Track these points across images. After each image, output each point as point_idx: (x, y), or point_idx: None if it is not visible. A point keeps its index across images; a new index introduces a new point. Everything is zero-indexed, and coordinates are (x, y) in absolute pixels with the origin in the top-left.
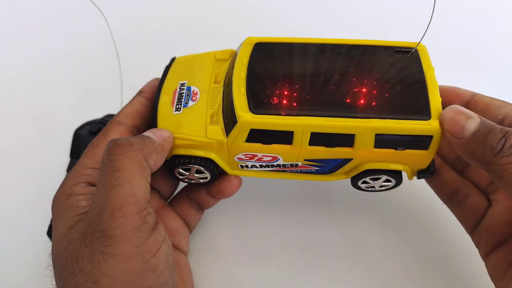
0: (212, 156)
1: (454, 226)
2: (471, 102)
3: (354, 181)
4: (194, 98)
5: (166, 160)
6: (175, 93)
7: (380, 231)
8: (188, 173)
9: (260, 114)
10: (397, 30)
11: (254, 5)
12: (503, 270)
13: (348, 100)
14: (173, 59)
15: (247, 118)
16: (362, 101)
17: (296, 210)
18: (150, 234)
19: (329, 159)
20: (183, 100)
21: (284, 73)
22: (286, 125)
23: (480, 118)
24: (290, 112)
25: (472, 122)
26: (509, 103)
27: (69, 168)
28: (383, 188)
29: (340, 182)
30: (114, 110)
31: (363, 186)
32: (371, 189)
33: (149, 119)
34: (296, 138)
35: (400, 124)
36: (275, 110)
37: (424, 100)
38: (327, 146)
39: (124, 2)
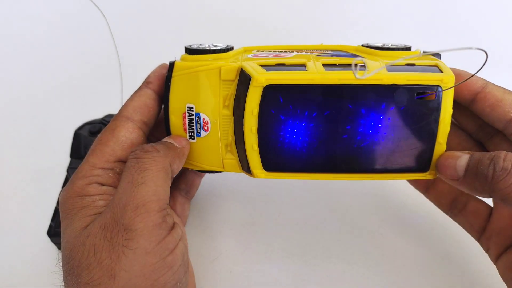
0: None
1: (454, 226)
2: (481, 93)
3: None
4: (205, 128)
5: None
6: (184, 117)
7: (380, 231)
8: None
9: (273, 172)
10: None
11: (254, 5)
12: None
13: (356, 157)
14: (172, 65)
15: (261, 176)
16: (366, 157)
17: (296, 210)
18: (168, 232)
19: None
20: (195, 128)
21: (297, 126)
22: (296, 178)
23: (468, 154)
24: (300, 170)
25: (461, 160)
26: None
27: (69, 168)
28: None
29: (340, 182)
30: (114, 110)
31: None
32: None
33: (162, 124)
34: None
35: (397, 177)
36: (287, 168)
37: (428, 154)
38: None
39: (124, 2)
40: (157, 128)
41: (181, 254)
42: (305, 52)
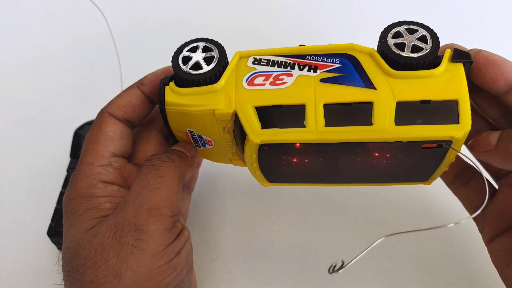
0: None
1: (454, 226)
2: None
3: None
4: (210, 144)
5: None
6: (187, 135)
7: (380, 231)
8: None
9: (277, 183)
10: None
11: (256, 5)
12: (509, 256)
13: (355, 176)
14: (162, 95)
15: (267, 185)
16: (367, 178)
17: (296, 210)
18: (176, 236)
19: None
20: (199, 142)
21: (294, 164)
22: None
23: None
24: (301, 182)
25: (494, 134)
26: None
27: (69, 168)
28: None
29: None
30: None
31: None
32: None
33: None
34: None
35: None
36: (288, 182)
37: (429, 172)
38: None
39: (124, 2)
40: None
41: (186, 256)
42: (308, 69)
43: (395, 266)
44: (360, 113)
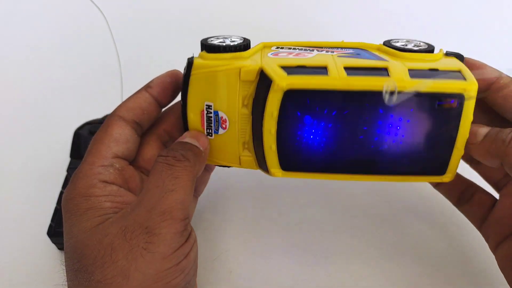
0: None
1: (454, 226)
2: (495, 84)
3: None
4: (224, 126)
5: None
6: (202, 114)
7: (380, 231)
8: None
9: (290, 172)
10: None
11: (257, 4)
12: None
13: (373, 158)
14: (190, 63)
15: (278, 175)
16: (383, 159)
17: (296, 210)
18: (186, 239)
19: None
20: (213, 125)
21: (316, 129)
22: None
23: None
24: (318, 171)
25: (482, 128)
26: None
27: (69, 168)
28: None
29: (340, 183)
30: None
31: None
32: None
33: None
34: None
35: (413, 180)
36: (304, 168)
37: (445, 158)
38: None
39: (124, 2)
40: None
41: (194, 257)
42: (326, 51)
43: (396, 266)
44: (377, 72)
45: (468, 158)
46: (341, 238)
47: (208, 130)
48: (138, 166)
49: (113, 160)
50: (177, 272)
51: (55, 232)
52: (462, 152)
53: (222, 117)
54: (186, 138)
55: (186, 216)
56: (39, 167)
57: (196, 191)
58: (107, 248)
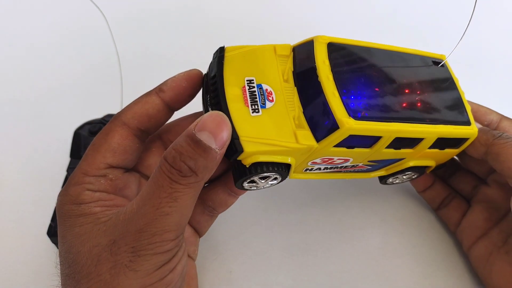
0: (291, 161)
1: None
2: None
3: (387, 177)
4: (270, 98)
5: (246, 169)
6: (244, 90)
7: (380, 231)
8: (263, 181)
9: (361, 120)
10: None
11: (256, 4)
12: (484, 259)
13: (416, 108)
14: (222, 48)
15: (351, 124)
16: (425, 109)
17: (296, 210)
18: (175, 254)
19: (388, 159)
20: (258, 100)
21: (364, 78)
22: (382, 131)
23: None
24: (382, 118)
25: (478, 124)
26: (493, 110)
27: (69, 168)
28: (406, 180)
29: (340, 181)
30: (114, 110)
31: (390, 180)
32: (396, 182)
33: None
34: (379, 143)
35: (457, 129)
36: (370, 116)
37: (463, 108)
38: (395, 148)
39: (124, 2)
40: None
41: (181, 269)
42: None
43: (396, 266)
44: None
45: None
46: (341, 238)
47: (253, 107)
48: (138, 170)
49: (106, 171)
50: (162, 286)
51: (55, 232)
52: (468, 105)
53: (267, 90)
54: (202, 133)
55: (179, 234)
56: (39, 167)
57: (213, 211)
58: (94, 258)
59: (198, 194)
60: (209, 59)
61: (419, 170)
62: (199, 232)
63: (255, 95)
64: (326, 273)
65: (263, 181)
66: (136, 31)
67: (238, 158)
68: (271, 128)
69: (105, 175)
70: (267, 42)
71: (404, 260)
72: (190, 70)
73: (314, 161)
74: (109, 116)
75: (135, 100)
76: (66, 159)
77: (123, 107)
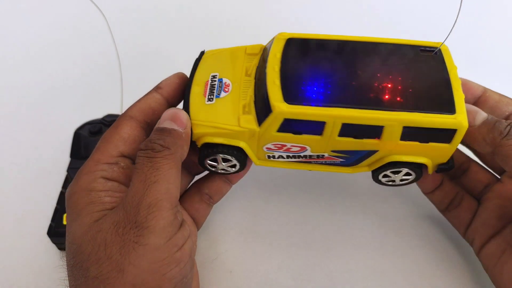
0: (242, 144)
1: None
2: (482, 97)
3: (376, 174)
4: (226, 90)
5: (197, 149)
6: (206, 84)
7: (380, 231)
8: (224, 164)
9: (295, 105)
10: (415, 31)
11: (255, 5)
12: (496, 257)
13: (377, 94)
14: (202, 53)
15: (282, 108)
16: (390, 96)
17: (296, 209)
18: (178, 229)
19: (355, 150)
20: (215, 91)
21: (316, 68)
22: (319, 115)
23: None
24: (323, 103)
25: (481, 113)
26: None
27: (69, 168)
28: (403, 182)
29: (340, 181)
30: (114, 110)
31: (383, 180)
32: (391, 183)
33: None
34: (327, 129)
35: (427, 117)
36: (308, 101)
37: (448, 96)
38: (355, 137)
39: (124, 2)
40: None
41: (189, 251)
42: None
43: (396, 266)
44: None
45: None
46: (341, 238)
47: (209, 96)
48: None
49: (118, 159)
50: (172, 264)
51: (55, 232)
52: (462, 94)
53: (225, 83)
54: (164, 122)
55: (174, 204)
56: (39, 167)
57: (211, 199)
58: (101, 244)
59: (179, 166)
60: None
61: (414, 169)
62: (197, 223)
63: (214, 87)
64: (326, 273)
65: (224, 163)
66: (136, 31)
67: (193, 139)
68: (220, 114)
69: (117, 163)
70: (264, 41)
71: (404, 260)
72: (179, 72)
73: (268, 146)
74: (109, 116)
75: (138, 100)
76: (66, 159)
77: (124, 107)
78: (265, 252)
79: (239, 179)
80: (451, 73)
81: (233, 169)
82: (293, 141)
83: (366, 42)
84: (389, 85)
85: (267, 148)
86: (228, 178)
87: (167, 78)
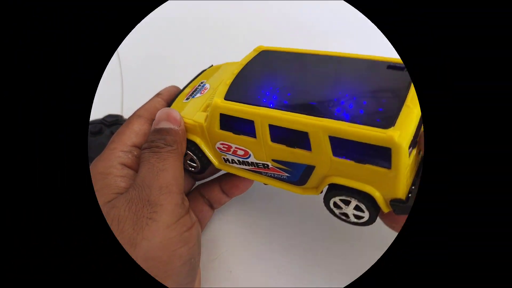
0: (197, 140)
1: None
2: None
3: (326, 201)
4: (202, 92)
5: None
6: (194, 88)
7: (381, 231)
8: (189, 161)
9: (230, 101)
10: None
11: (255, 9)
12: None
13: (317, 103)
14: (210, 66)
15: (217, 102)
16: (328, 105)
17: (296, 210)
18: (186, 212)
19: (293, 162)
20: (195, 93)
21: (270, 75)
22: (246, 112)
23: None
24: (256, 104)
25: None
26: None
27: None
28: (359, 220)
29: None
30: (114, 110)
31: (336, 211)
32: (345, 218)
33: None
34: (257, 130)
35: (352, 127)
36: (245, 100)
37: (395, 112)
38: (287, 145)
39: None
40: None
41: (196, 234)
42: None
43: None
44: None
45: None
46: (341, 238)
47: (188, 96)
48: None
49: (132, 148)
50: (181, 242)
51: None
52: (414, 112)
53: (205, 86)
54: (160, 123)
55: (181, 190)
56: None
57: (211, 205)
58: (114, 219)
59: (181, 162)
60: (208, 59)
61: (364, 203)
62: (200, 223)
63: (197, 90)
64: (326, 273)
65: (189, 161)
66: (136, 32)
67: None
68: (186, 110)
69: (131, 151)
70: (265, 44)
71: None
72: (174, 86)
73: (218, 146)
74: (109, 116)
75: (143, 104)
76: None
77: (124, 108)
78: (265, 252)
79: (237, 194)
80: (412, 91)
81: (194, 164)
82: (234, 141)
83: (333, 56)
84: (334, 96)
85: (218, 148)
86: (226, 191)
87: (165, 88)
